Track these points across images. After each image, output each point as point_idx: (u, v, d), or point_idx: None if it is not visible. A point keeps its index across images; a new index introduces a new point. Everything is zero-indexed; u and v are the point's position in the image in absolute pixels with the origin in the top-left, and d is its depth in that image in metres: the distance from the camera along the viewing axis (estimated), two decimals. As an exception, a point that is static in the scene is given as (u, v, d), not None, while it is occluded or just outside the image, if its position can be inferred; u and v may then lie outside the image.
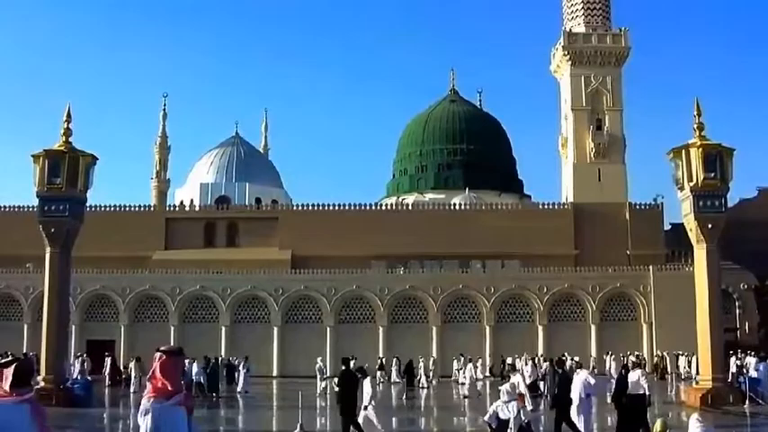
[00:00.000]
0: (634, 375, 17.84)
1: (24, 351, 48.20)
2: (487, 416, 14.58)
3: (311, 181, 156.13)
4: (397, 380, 43.54)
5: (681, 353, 49.17)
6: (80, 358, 40.30)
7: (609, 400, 18.48)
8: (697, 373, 42.74)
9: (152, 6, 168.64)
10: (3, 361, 6.00)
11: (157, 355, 6.47)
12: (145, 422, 6.41)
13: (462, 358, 41.03)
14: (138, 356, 39.89)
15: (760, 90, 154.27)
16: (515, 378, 17.58)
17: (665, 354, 51.05)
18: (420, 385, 41.23)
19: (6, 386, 5.77)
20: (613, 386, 18.95)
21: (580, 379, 17.44)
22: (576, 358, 20.75)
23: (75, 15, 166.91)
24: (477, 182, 73.60)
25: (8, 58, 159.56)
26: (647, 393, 17.28)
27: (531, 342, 52.64)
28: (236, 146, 78.73)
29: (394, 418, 27.30)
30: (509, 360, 45.16)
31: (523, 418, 13.95)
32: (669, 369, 49.14)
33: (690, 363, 47.74)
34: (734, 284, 58.53)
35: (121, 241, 60.36)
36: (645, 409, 17.32)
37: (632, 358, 20.91)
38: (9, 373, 5.80)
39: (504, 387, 14.65)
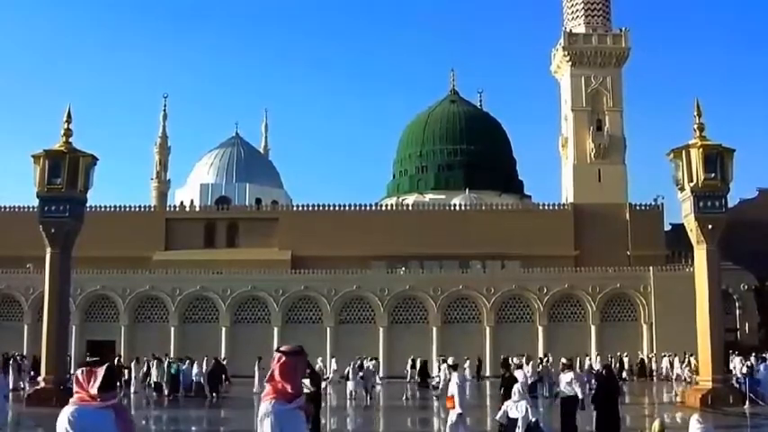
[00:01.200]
0: (566, 377, 17.67)
1: (24, 352, 48.27)
2: (498, 414, 14.88)
3: (311, 181, 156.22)
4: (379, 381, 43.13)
5: (665, 354, 49.54)
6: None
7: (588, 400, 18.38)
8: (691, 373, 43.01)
9: (152, 7, 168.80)
10: (90, 360, 5.55)
11: (276, 355, 5.96)
12: (266, 425, 5.87)
13: (441, 359, 40.81)
14: (137, 357, 39.93)
15: (760, 90, 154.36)
16: (454, 376, 17.39)
17: (651, 355, 51.22)
18: (434, 385, 40.91)
19: (94, 389, 5.31)
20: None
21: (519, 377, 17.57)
22: (516, 360, 20.54)
23: (75, 16, 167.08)
24: (477, 182, 73.55)
25: (8, 59, 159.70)
26: (580, 396, 17.08)
27: (531, 342, 52.61)
28: (237, 146, 78.71)
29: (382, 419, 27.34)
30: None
31: (531, 417, 14.18)
32: (664, 371, 49.11)
33: (672, 363, 47.99)
34: (734, 285, 58.53)
35: (122, 242, 60.34)
36: (574, 411, 17.20)
37: (563, 360, 20.11)
38: (100, 374, 5.34)
39: (516, 387, 14.88)
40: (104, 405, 5.31)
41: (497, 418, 15.21)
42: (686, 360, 45.88)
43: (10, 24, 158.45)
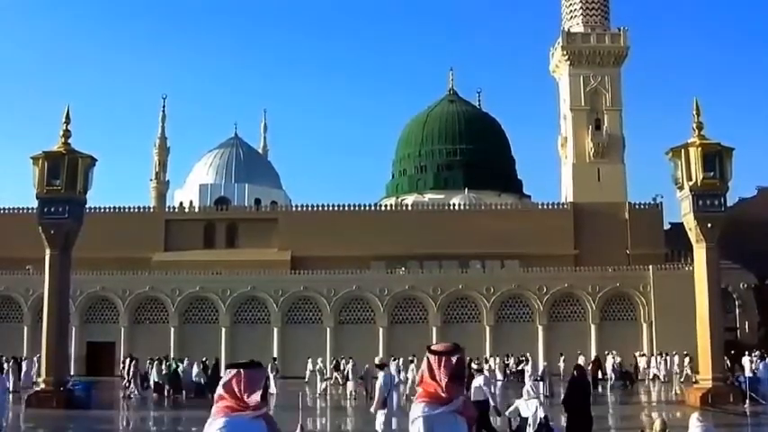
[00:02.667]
0: (477, 381, 17.51)
1: (24, 354, 48.21)
2: (509, 411, 15.01)
3: (310, 182, 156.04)
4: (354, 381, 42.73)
5: (643, 353, 49.14)
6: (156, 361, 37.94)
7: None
8: (678, 372, 42.76)
9: (151, 8, 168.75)
10: (239, 363, 4.94)
11: (427, 355, 5.30)
12: (415, 430, 5.29)
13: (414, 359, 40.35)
14: (132, 355, 39.74)
15: (759, 89, 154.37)
16: (380, 376, 16.98)
17: (638, 354, 50.45)
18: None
19: (255, 398, 4.69)
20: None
21: None
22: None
23: (74, 17, 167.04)
24: (476, 182, 73.54)
25: (7, 60, 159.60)
26: (491, 401, 16.90)
27: (531, 342, 52.63)
28: (236, 147, 78.67)
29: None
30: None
31: (540, 414, 14.35)
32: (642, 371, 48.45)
33: (648, 363, 47.44)
34: (734, 284, 58.52)
35: (121, 243, 60.28)
36: (487, 415, 17.10)
37: (474, 365, 19.57)
38: (260, 381, 4.77)
39: (526, 386, 15.04)
40: (257, 415, 4.73)
41: (507, 413, 15.36)
42: (665, 360, 45.81)
43: (9, 25, 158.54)
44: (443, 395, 5.13)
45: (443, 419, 5.15)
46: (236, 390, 4.71)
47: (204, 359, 38.20)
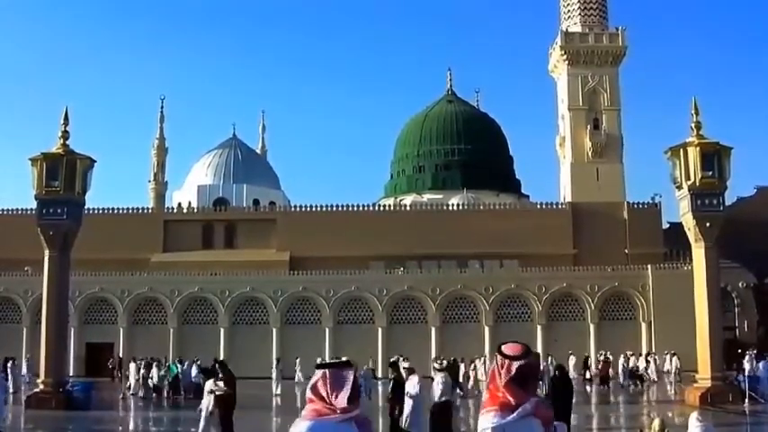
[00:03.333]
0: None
1: (23, 355, 48.19)
2: None
3: (309, 182, 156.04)
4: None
5: (630, 352, 48.41)
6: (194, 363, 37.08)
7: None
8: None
9: (150, 8, 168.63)
10: (326, 362, 4.57)
11: (499, 360, 4.81)
12: None
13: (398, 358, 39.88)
14: (135, 358, 39.81)
15: (758, 88, 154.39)
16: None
17: (630, 354, 49.19)
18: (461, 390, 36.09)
19: (342, 402, 4.30)
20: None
21: (410, 384, 17.24)
22: (406, 364, 20.06)
23: (72, 17, 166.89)
24: (474, 182, 73.56)
25: (6, 61, 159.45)
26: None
27: (530, 341, 52.49)
28: (234, 148, 78.62)
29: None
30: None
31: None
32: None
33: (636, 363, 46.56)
34: (733, 283, 58.51)
35: (120, 244, 60.26)
36: (449, 416, 17.10)
37: (436, 364, 19.25)
38: (348, 382, 4.37)
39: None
40: (346, 417, 4.33)
41: None
42: (655, 359, 45.58)
43: (8, 26, 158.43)
44: (515, 401, 4.76)
45: (514, 427, 4.78)
46: (322, 392, 4.35)
47: (196, 359, 38.01)
